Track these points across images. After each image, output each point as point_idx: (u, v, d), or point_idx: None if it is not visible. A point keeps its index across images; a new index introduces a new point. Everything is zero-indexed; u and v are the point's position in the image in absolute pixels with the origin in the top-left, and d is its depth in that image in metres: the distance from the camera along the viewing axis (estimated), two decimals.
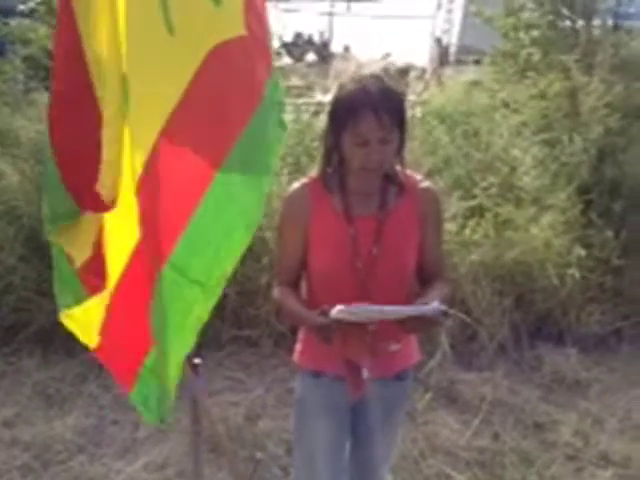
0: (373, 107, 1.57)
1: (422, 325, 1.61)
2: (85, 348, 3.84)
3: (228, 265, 1.66)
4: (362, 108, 1.58)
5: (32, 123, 4.24)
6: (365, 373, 1.66)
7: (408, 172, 1.80)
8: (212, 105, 1.50)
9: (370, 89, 1.60)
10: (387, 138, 1.61)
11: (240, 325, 3.73)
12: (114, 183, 1.45)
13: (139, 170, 1.41)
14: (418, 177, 1.82)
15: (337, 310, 1.53)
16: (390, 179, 1.76)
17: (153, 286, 1.47)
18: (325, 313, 1.57)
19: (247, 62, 1.53)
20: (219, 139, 1.55)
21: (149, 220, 1.44)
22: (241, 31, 1.48)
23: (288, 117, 4.68)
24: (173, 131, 1.44)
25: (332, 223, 1.74)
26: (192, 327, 1.64)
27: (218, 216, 1.59)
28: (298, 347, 1.93)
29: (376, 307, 1.56)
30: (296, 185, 1.82)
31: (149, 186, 1.42)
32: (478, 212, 3.96)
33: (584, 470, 2.92)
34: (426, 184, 1.82)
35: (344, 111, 1.63)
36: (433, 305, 1.57)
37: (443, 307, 1.57)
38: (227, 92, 1.51)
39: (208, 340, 3.67)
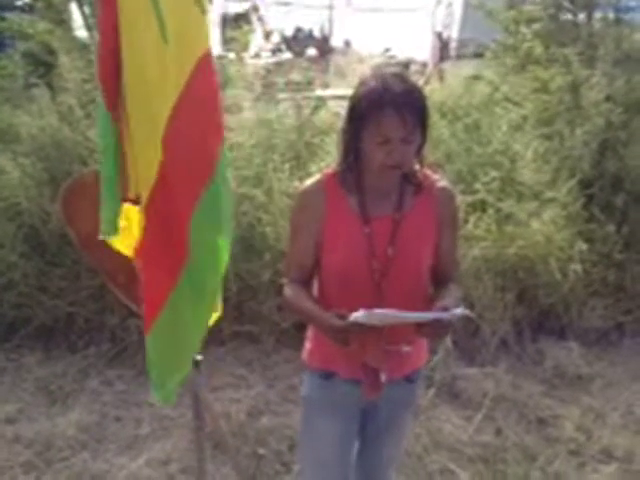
0: (396, 106, 1.55)
1: (439, 330, 1.59)
2: (87, 344, 3.86)
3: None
4: (385, 106, 1.55)
5: (33, 119, 4.23)
6: (383, 377, 1.66)
7: (425, 171, 1.77)
8: (202, 112, 1.56)
9: (393, 87, 1.57)
10: (409, 138, 1.59)
11: (242, 321, 3.72)
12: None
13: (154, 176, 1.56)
14: (435, 177, 1.79)
15: (356, 315, 1.51)
16: (408, 178, 1.73)
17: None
18: (342, 316, 1.55)
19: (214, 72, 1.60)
20: (209, 148, 1.61)
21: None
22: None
23: (288, 112, 4.67)
24: (169, 139, 1.53)
25: (347, 222, 1.71)
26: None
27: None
28: (307, 346, 1.91)
29: (395, 312, 1.53)
30: (311, 180, 1.78)
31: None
32: (480, 207, 3.95)
33: (587, 465, 2.92)
34: (443, 184, 1.78)
35: (366, 108, 1.59)
36: (455, 311, 1.54)
37: (466, 313, 1.55)
38: (211, 98, 1.57)
39: (210, 336, 3.66)
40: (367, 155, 1.64)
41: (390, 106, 1.55)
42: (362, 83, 1.64)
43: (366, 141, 1.61)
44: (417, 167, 1.74)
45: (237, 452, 2.74)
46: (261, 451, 2.75)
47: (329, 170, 1.78)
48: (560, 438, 3.08)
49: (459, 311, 1.54)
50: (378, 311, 1.52)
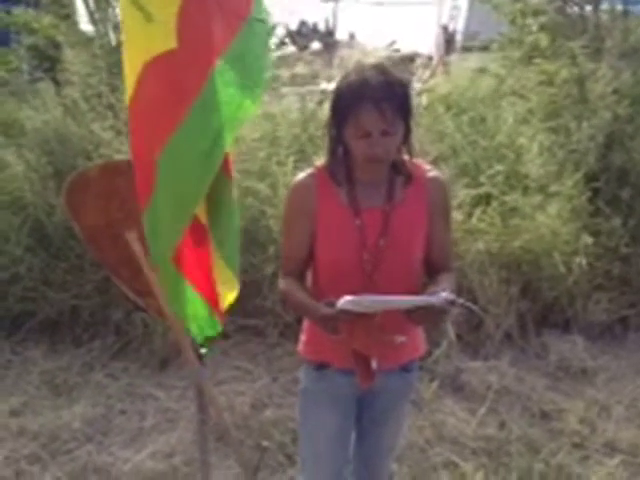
0: (374, 99, 1.55)
1: (430, 316, 1.58)
2: (91, 337, 3.86)
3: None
4: (362, 100, 1.56)
5: (37, 113, 4.24)
6: (374, 364, 1.65)
7: (416, 161, 1.77)
8: (147, 115, 1.64)
9: (371, 81, 1.57)
10: (389, 130, 1.59)
11: (246, 315, 3.72)
12: None
13: None
14: (426, 166, 1.79)
15: (344, 301, 1.52)
16: (397, 169, 1.73)
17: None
18: (331, 304, 1.56)
19: (176, 74, 1.61)
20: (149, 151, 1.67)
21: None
22: (172, 44, 1.57)
23: (293, 106, 4.67)
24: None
25: (339, 214, 1.72)
26: None
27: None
28: (302, 338, 1.92)
29: (383, 297, 1.54)
30: (302, 175, 1.79)
31: None
32: (484, 200, 3.94)
33: (590, 458, 2.92)
34: (434, 173, 1.79)
35: (345, 103, 1.61)
36: (441, 295, 1.54)
37: (451, 296, 1.55)
38: (157, 104, 1.62)
39: None
40: (351, 149, 1.65)
41: (368, 100, 1.55)
42: (343, 77, 1.65)
43: (348, 135, 1.63)
44: (406, 157, 1.74)
45: (241, 445, 2.75)
46: (265, 443, 2.75)
47: (320, 163, 1.79)
48: (564, 431, 3.08)
49: (444, 294, 1.53)
50: (365, 297, 1.52)
